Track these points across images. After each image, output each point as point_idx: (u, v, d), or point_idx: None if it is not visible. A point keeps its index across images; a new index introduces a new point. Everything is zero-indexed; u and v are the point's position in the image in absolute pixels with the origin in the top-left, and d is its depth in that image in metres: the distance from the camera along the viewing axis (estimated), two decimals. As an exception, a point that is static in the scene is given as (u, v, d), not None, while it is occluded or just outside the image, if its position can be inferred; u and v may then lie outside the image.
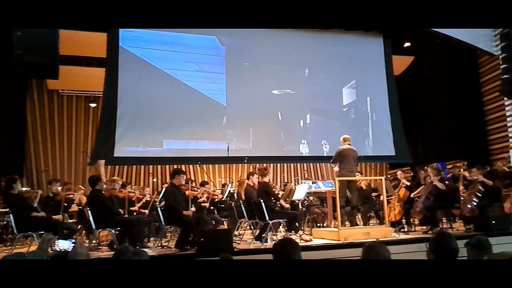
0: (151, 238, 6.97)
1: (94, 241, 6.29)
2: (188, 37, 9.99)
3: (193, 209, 6.22)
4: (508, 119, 10.51)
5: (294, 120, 10.71)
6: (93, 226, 5.77)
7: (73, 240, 2.13)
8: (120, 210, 6.36)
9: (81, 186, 8.79)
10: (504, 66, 9.13)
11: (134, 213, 7.34)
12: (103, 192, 6.28)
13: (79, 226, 7.23)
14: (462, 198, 7.36)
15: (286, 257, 2.44)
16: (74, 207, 7.59)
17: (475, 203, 7.21)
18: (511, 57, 8.84)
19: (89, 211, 5.87)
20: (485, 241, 2.93)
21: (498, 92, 10.02)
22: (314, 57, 11.05)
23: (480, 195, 7.25)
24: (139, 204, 7.79)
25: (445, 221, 7.62)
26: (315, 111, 10.88)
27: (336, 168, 7.23)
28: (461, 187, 7.60)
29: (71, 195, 7.48)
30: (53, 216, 6.16)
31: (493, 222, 6.48)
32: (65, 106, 12.01)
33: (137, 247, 4.87)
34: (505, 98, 10.03)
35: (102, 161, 9.63)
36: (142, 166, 11.69)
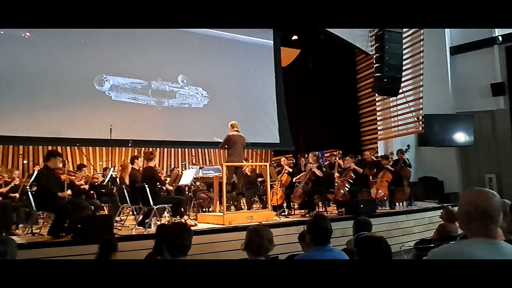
0: (20, 225, 6.33)
1: None
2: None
3: (69, 192, 5.75)
4: (377, 113, 11.67)
5: (183, 104, 10.63)
6: None
7: None
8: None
9: None
10: (376, 65, 10.12)
11: (0, 198, 6.56)
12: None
13: None
14: (336, 184, 8.02)
15: (176, 241, 2.40)
16: None
17: (347, 189, 7.92)
18: (383, 57, 9.81)
19: None
20: (368, 220, 3.93)
21: (371, 88, 11.04)
22: (204, 43, 11.00)
23: (351, 181, 7.98)
24: (7, 188, 6.99)
25: (321, 205, 8.26)
26: (205, 97, 10.91)
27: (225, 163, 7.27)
28: (336, 174, 8.27)
29: None
30: None
31: (362, 206, 7.20)
32: None
33: (3, 234, 4.38)
34: (376, 94, 11.10)
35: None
36: (11, 146, 10.47)
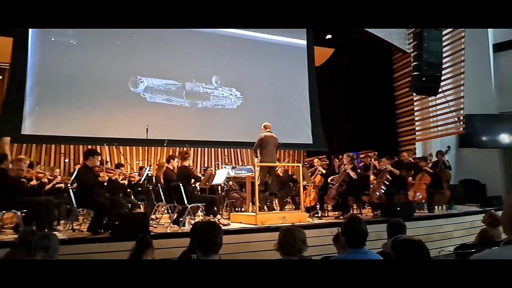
0: (62, 221, 6.56)
1: (-4, 224, 5.76)
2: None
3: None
4: (415, 113, 11.35)
5: (216, 105, 10.70)
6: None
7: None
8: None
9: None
10: (414, 63, 9.83)
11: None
12: (8, 172, 5.74)
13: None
14: (371, 186, 7.85)
15: (207, 240, 2.40)
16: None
17: (383, 191, 7.72)
18: (421, 56, 9.52)
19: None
20: (403, 223, 3.78)
21: (408, 87, 10.75)
22: (238, 44, 11.06)
23: (387, 183, 7.78)
24: (49, 186, 7.27)
25: (355, 207, 8.10)
26: (238, 98, 10.97)
27: (256, 160, 7.28)
28: (371, 176, 8.10)
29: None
30: None
31: (398, 208, 6.99)
32: (-36, 76, 10.78)
33: (45, 231, 4.54)
34: (414, 94, 10.80)
35: (7, 139, 8.83)
36: (53, 145, 10.90)
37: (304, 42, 11.91)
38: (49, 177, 7.43)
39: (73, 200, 5.82)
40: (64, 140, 9.41)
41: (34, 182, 6.84)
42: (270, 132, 7.32)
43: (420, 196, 8.21)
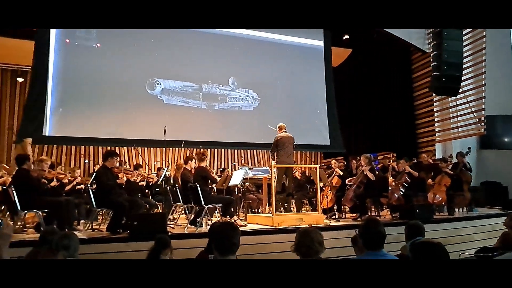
0: (81, 221, 6.67)
1: (19, 223, 5.89)
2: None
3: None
4: (435, 114, 11.18)
5: (233, 107, 10.74)
6: (18, 207, 5.40)
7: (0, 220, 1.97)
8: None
9: (5, 165, 8.18)
10: (434, 63, 9.69)
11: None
12: (30, 172, 5.87)
13: (2, 207, 6.74)
14: (390, 188, 7.76)
15: (224, 240, 2.41)
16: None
17: (401, 193, 7.63)
18: (441, 55, 9.37)
19: (13, 191, 5.47)
20: (421, 225, 3.72)
21: (427, 88, 10.59)
22: (254, 46, 11.07)
23: (406, 185, 7.68)
24: (70, 186, 7.42)
25: (373, 209, 8.02)
26: (255, 100, 10.98)
27: (274, 163, 7.27)
28: (390, 178, 8.00)
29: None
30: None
31: (417, 211, 6.88)
32: (-11, 79, 11.10)
33: (66, 230, 4.63)
34: (434, 94, 10.63)
35: (29, 140, 9.07)
36: (73, 146, 11.11)
37: (321, 43, 11.85)
38: (70, 177, 7.58)
39: (93, 200, 5.93)
40: (84, 141, 9.57)
41: (54, 183, 6.99)
42: (286, 132, 7.31)
43: (440, 198, 8.08)
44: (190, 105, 10.31)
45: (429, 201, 7.96)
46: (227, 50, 10.82)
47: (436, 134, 11.17)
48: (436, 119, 11.19)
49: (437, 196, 8.08)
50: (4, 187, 6.73)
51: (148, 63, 9.91)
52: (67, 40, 9.19)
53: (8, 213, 6.78)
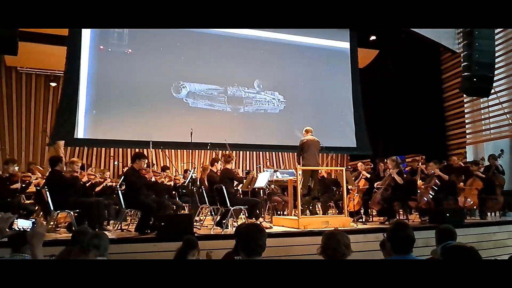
0: (111, 221, 6.82)
1: (52, 223, 6.08)
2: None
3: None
4: (466, 115, 10.88)
5: (259, 110, 10.76)
6: (51, 207, 5.58)
7: (33, 220, 2.05)
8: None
9: (39, 167, 8.47)
10: (464, 63, 9.43)
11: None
12: (63, 173, 6.06)
13: (36, 207, 6.97)
14: (419, 191, 7.59)
15: (251, 242, 2.42)
16: (32, 188, 7.30)
17: (431, 196, 7.44)
18: (472, 55, 9.11)
19: (47, 192, 5.66)
20: (453, 229, 3.54)
21: (458, 89, 10.33)
22: (280, 48, 11.06)
23: (436, 188, 7.49)
24: (100, 187, 7.60)
25: (401, 212, 7.86)
26: (281, 102, 10.97)
27: (299, 166, 7.24)
28: (419, 180, 7.83)
29: (28, 177, 7.19)
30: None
31: (448, 214, 6.71)
32: (24, 84, 11.57)
33: (96, 230, 4.75)
34: (464, 95, 10.36)
35: (62, 142, 9.37)
36: (103, 149, 11.39)
37: (347, 44, 11.75)
38: (100, 179, 7.77)
39: (122, 201, 6.05)
40: (113, 143, 9.81)
41: (85, 182, 7.18)
42: (312, 135, 7.29)
43: (471, 202, 7.85)
44: (215, 108, 10.40)
45: (460, 205, 7.74)
46: (252, 53, 10.86)
47: (467, 136, 10.88)
48: (467, 121, 10.90)
49: (468, 199, 7.86)
50: (38, 188, 6.97)
51: (174, 67, 10.06)
52: (101, 47, 9.47)
53: (41, 213, 7.01)
